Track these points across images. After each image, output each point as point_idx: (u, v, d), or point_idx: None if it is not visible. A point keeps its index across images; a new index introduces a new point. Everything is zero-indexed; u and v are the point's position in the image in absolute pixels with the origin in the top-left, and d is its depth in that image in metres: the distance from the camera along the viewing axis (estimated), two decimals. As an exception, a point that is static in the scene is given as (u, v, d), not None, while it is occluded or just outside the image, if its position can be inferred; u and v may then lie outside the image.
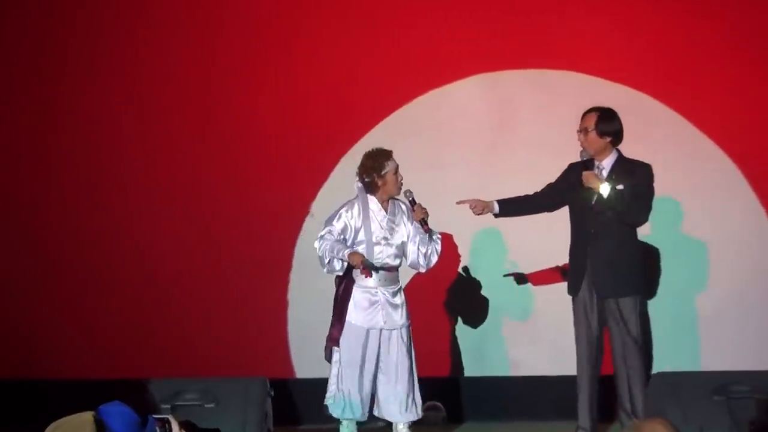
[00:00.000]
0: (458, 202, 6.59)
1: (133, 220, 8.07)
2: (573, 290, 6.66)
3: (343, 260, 6.41)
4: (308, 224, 8.04)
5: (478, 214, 6.66)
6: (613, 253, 6.54)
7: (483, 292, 8.10)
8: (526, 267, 7.97)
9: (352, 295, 6.56)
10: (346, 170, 7.65)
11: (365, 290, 6.56)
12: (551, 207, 6.77)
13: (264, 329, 8.02)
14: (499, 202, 6.67)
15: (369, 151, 6.58)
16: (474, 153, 8.07)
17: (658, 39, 8.03)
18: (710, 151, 8.01)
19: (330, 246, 6.40)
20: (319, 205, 7.99)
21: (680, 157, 7.94)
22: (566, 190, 6.68)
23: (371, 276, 6.37)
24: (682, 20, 8.00)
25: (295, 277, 8.13)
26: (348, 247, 6.41)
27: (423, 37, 8.07)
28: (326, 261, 6.48)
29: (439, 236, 6.66)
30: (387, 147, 6.70)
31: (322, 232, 6.48)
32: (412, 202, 6.48)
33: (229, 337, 7.99)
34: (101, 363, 7.98)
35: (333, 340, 6.50)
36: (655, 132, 7.90)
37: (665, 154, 7.67)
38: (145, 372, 7.50)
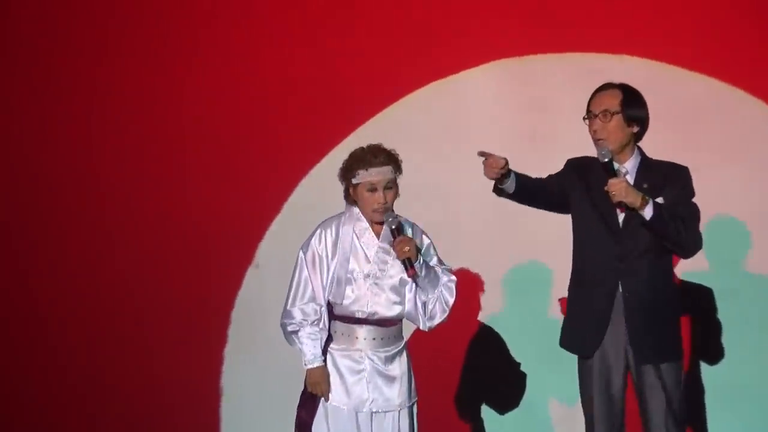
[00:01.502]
0: (480, 153, 5.84)
1: (42, 265, 7.60)
2: (587, 348, 5.92)
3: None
4: (251, 277, 7.45)
5: (493, 177, 5.85)
6: (652, 299, 5.86)
7: (519, 359, 7.42)
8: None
9: (327, 360, 5.82)
10: (306, 199, 7.33)
11: (345, 353, 5.76)
12: (552, 202, 6.12)
13: (189, 426, 7.51)
14: (516, 174, 5.98)
15: (360, 147, 5.84)
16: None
17: (735, 13, 7.33)
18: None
19: (292, 340, 5.83)
20: (268, 252, 7.44)
21: (753, 165, 7.28)
22: (567, 193, 6.07)
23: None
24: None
25: (231, 351, 7.48)
26: (314, 347, 5.77)
27: (425, 12, 7.48)
28: None
29: (453, 278, 5.86)
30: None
31: (289, 319, 5.80)
32: (395, 232, 5.68)
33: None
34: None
35: (302, 427, 5.78)
36: (724, 129, 7.27)
37: (723, 154, 7.17)
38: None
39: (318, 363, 5.73)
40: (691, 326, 6.95)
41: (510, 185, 5.94)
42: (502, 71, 7.50)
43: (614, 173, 5.78)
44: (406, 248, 5.64)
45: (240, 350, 7.49)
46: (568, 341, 6.08)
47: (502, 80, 7.51)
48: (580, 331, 6.01)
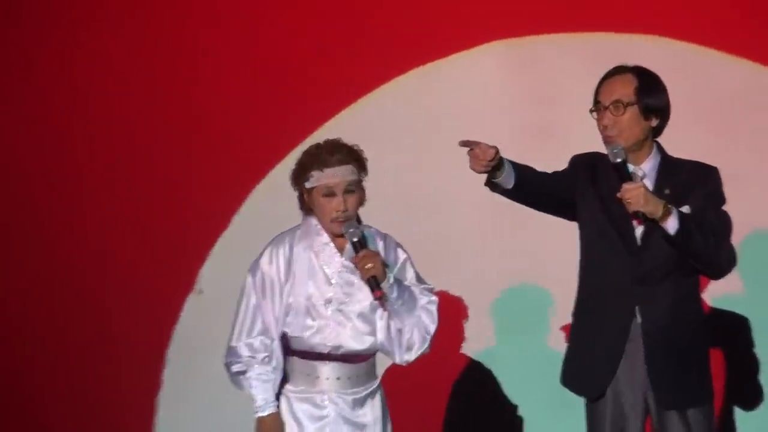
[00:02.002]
0: (461, 143, 5.43)
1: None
2: (595, 388, 5.50)
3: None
4: (191, 307, 7.00)
5: (480, 171, 5.39)
6: (676, 329, 5.42)
7: (513, 400, 7.04)
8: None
9: (281, 405, 5.40)
10: (258, 211, 7.00)
11: (303, 396, 5.40)
12: (558, 204, 5.65)
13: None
14: (514, 165, 5.61)
15: (315, 143, 5.52)
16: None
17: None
18: None
19: (239, 382, 5.50)
20: (211, 275, 7.02)
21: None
22: (574, 198, 5.63)
23: None
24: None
25: (166, 398, 7.00)
26: (265, 391, 5.41)
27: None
28: None
29: (433, 299, 5.48)
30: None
31: (234, 357, 5.46)
32: (357, 246, 5.31)
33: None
34: None
35: None
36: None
37: (766, 155, 6.88)
38: None
39: (270, 410, 5.30)
40: (723, 363, 6.63)
41: (506, 179, 5.44)
42: (499, 55, 7.14)
43: (629, 177, 5.27)
44: (369, 265, 5.19)
45: (177, 397, 7.12)
46: (571, 379, 5.63)
47: (500, 65, 7.16)
48: (586, 368, 5.56)
